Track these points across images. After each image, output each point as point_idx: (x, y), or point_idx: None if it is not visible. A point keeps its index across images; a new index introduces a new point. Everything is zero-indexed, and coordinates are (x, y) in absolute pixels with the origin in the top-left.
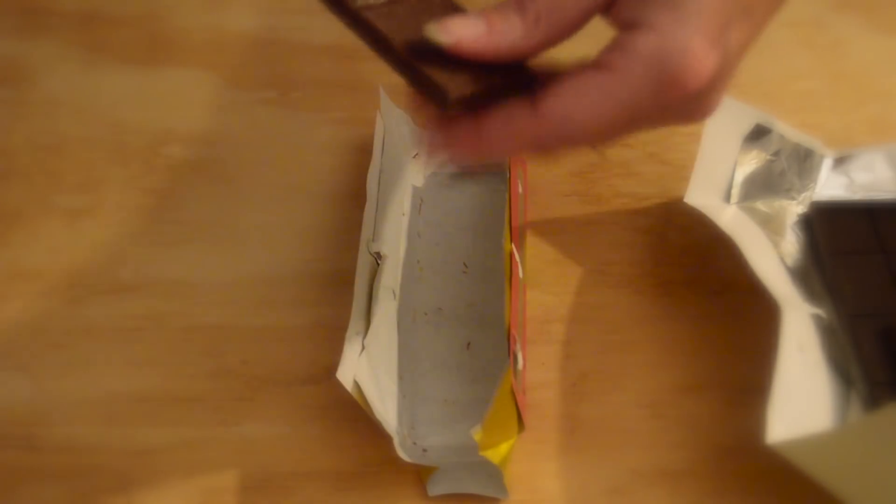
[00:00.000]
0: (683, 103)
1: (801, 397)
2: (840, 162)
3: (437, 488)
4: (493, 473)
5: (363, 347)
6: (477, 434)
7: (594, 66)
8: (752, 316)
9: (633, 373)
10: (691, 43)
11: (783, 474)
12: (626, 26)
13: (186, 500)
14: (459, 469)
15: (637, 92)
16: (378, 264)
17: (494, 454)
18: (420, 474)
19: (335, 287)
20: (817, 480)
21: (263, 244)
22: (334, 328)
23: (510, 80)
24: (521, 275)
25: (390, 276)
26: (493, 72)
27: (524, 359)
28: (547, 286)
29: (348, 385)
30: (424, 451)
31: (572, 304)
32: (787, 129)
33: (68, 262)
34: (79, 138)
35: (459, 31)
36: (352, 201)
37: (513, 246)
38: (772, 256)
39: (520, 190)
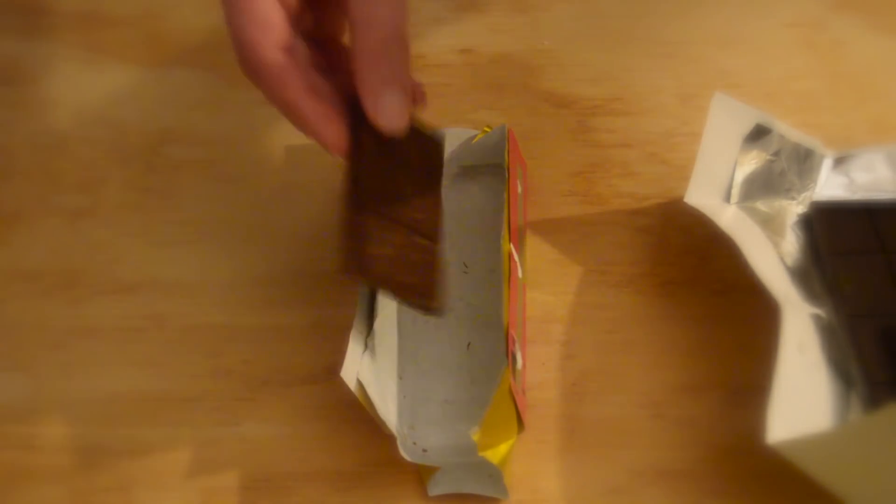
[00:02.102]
0: None
1: (801, 397)
2: (840, 162)
3: (437, 488)
4: (493, 474)
5: (366, 347)
6: (476, 434)
7: None
8: (752, 316)
9: (633, 373)
10: None
11: (783, 474)
12: None
13: (186, 500)
14: (460, 469)
15: None
16: None
17: (494, 454)
18: (420, 474)
19: (335, 287)
20: (817, 480)
21: (263, 244)
22: (334, 328)
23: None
24: (520, 275)
25: None
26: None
27: (524, 359)
28: (547, 286)
29: (351, 384)
30: (425, 451)
31: (572, 304)
32: (787, 129)
33: (68, 262)
34: (79, 138)
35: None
36: None
37: (511, 246)
38: (772, 256)
39: (519, 190)
